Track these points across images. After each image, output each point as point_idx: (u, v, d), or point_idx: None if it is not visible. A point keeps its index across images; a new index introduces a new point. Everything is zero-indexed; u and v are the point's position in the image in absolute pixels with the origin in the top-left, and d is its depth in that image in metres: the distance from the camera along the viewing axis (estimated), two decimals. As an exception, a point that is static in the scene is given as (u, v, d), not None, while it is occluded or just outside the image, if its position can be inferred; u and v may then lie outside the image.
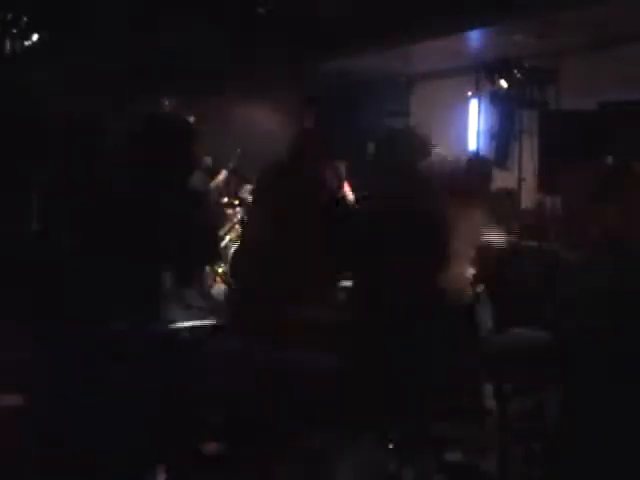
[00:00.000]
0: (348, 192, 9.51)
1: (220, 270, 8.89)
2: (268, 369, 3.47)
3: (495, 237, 5.18)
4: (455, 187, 4.94)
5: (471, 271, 4.87)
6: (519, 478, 3.62)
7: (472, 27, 8.49)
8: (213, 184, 9.05)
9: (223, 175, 9.42)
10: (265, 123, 10.77)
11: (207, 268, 7.16)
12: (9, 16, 8.29)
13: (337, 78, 10.43)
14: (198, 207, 3.52)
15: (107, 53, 9.05)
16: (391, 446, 3.71)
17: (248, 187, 9.60)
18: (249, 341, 3.57)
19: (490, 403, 4.32)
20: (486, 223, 5.17)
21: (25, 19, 8.30)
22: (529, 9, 7.49)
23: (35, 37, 8.43)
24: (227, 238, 9.23)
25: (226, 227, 9.41)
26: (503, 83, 8.64)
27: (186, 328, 3.38)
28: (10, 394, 3.38)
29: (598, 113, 8.16)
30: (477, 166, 5.62)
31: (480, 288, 4.92)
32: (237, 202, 9.60)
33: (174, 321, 3.31)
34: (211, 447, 3.51)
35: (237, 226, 9.45)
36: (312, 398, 3.41)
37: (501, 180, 7.61)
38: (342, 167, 9.01)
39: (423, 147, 4.28)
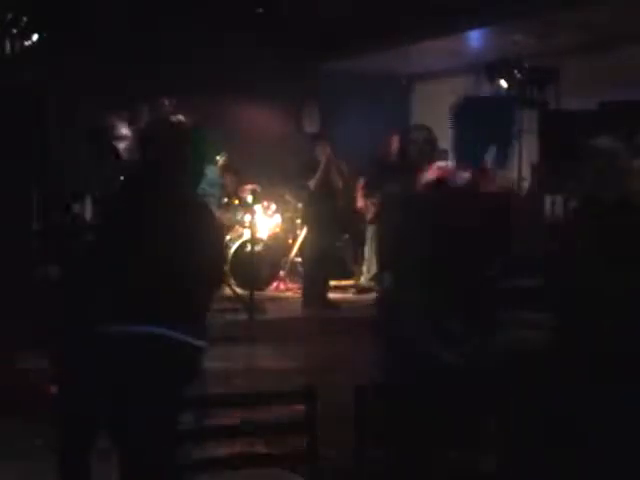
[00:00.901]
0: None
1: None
2: None
3: None
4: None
5: None
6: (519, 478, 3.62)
7: (472, 27, 8.51)
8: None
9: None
10: (265, 123, 10.77)
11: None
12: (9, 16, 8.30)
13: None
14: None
15: (107, 53, 9.06)
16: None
17: (248, 187, 9.63)
18: None
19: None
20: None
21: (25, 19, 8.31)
22: (529, 9, 7.50)
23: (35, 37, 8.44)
24: (227, 237, 9.24)
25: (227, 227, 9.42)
26: (503, 83, 8.64)
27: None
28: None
29: (598, 113, 8.17)
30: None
31: None
32: (237, 202, 9.61)
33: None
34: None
35: (237, 226, 9.46)
36: None
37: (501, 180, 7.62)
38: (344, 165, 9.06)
39: None
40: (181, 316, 3.15)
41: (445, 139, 8.61)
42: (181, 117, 6.37)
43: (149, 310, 3.12)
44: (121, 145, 7.37)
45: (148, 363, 3.10)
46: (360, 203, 9.70)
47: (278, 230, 9.85)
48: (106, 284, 3.18)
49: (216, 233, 3.47)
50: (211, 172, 8.33)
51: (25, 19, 8.37)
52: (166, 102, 8.09)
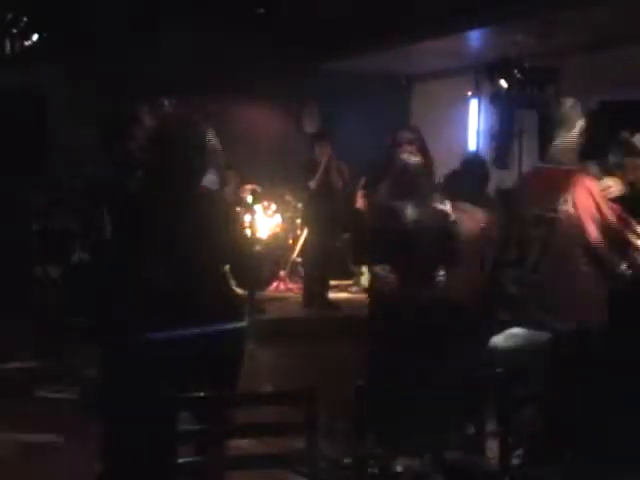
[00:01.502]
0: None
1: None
2: None
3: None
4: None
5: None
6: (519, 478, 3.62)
7: (472, 27, 8.50)
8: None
9: (214, 173, 9.37)
10: (265, 123, 10.76)
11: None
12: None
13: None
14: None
15: (107, 53, 9.06)
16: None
17: (248, 187, 9.61)
18: None
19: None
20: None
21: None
22: (529, 9, 7.49)
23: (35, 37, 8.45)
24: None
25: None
26: (503, 83, 8.64)
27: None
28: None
29: (598, 113, 8.15)
30: (474, 166, 5.63)
31: None
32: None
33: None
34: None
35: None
36: None
37: (501, 180, 7.62)
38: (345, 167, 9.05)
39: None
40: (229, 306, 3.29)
41: (444, 139, 8.63)
42: (182, 116, 6.33)
43: (202, 309, 3.24)
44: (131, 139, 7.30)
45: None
46: (360, 203, 9.68)
47: (278, 230, 9.85)
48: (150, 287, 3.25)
49: (229, 223, 3.53)
50: (212, 172, 8.32)
51: (25, 19, 8.38)
52: (166, 102, 8.07)
